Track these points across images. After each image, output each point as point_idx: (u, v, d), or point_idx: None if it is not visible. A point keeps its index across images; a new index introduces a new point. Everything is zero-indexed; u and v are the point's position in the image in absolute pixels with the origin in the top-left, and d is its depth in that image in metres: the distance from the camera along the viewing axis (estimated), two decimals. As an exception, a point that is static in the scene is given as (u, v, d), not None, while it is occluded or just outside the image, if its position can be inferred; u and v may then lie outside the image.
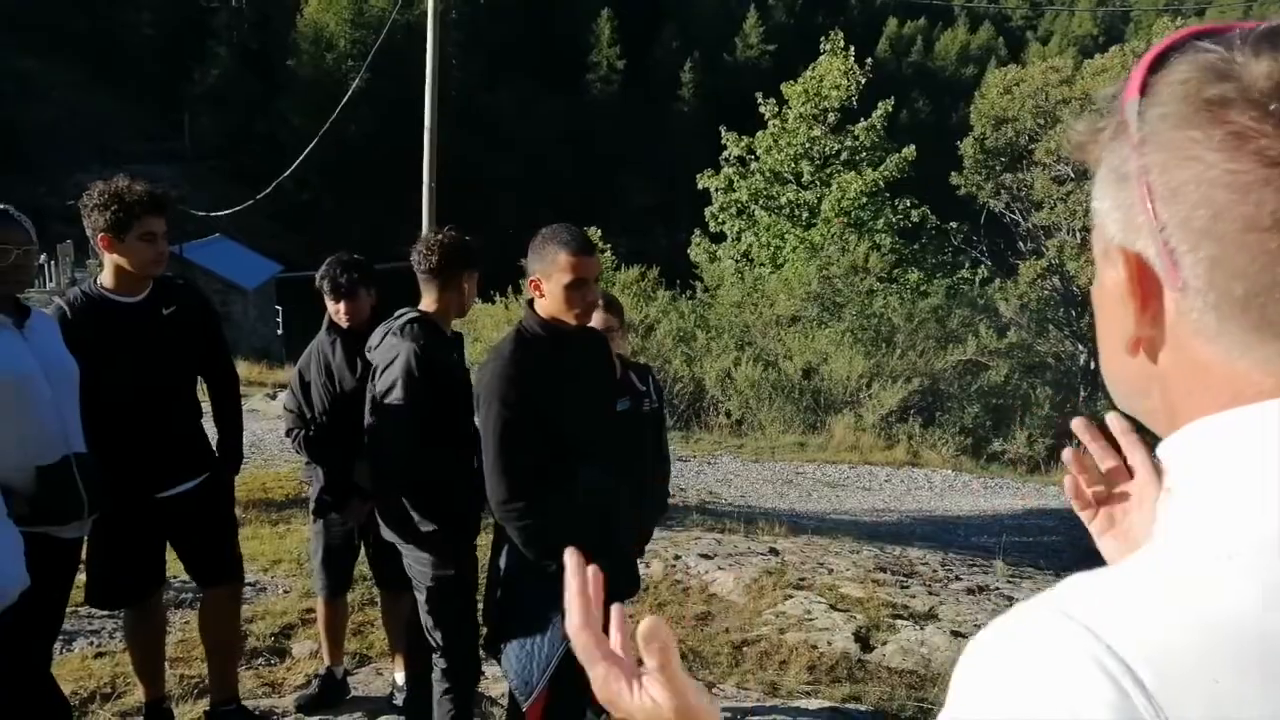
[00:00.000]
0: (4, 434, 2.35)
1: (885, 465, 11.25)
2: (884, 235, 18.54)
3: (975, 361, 14.60)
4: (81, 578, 3.19)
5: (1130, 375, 0.61)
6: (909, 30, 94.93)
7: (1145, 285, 0.55)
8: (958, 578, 5.91)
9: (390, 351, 2.96)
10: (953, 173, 20.20)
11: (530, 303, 2.67)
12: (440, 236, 3.12)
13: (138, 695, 3.45)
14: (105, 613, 4.03)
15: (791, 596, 5.21)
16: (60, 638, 4.30)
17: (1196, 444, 0.55)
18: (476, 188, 66.18)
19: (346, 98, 18.21)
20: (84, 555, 3.10)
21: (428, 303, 3.11)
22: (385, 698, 3.75)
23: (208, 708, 3.42)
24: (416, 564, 3.00)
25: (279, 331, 32.52)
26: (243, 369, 17.03)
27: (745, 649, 4.50)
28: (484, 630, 2.86)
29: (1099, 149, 0.60)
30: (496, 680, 3.54)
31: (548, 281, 2.56)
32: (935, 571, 6.03)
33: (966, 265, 20.36)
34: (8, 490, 2.34)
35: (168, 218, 3.09)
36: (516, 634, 2.61)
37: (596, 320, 3.61)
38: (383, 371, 2.96)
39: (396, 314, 3.09)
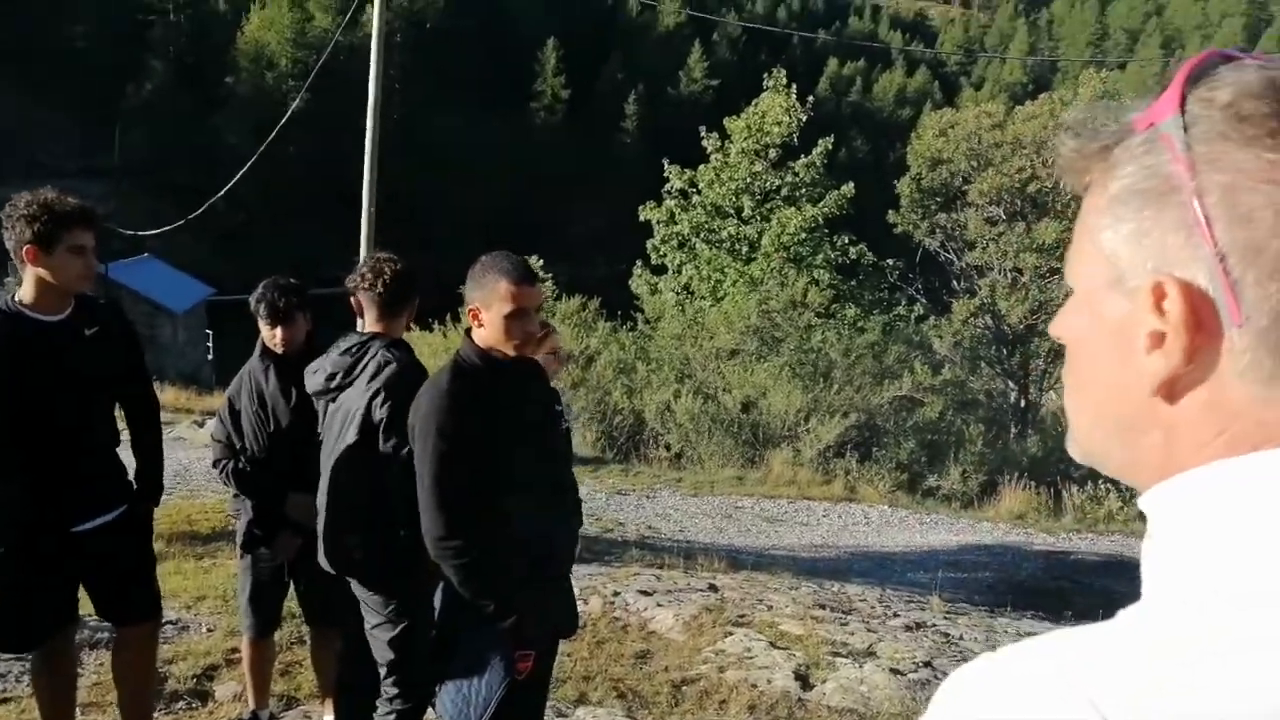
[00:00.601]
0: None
1: (823, 500, 11.32)
2: (823, 271, 18.83)
3: (910, 398, 14.84)
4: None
5: (1125, 417, 0.55)
6: (849, 71, 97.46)
7: (1199, 318, 0.50)
8: (895, 614, 5.93)
9: (388, 380, 2.84)
10: (890, 211, 20.66)
11: (469, 332, 2.60)
12: (392, 263, 3.03)
13: (43, 744, 3.24)
14: (11, 655, 3.81)
15: (731, 634, 5.17)
16: (-43, 683, 4.08)
17: (1212, 492, 0.50)
18: (416, 212, 65.73)
19: (286, 117, 17.89)
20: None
21: (378, 328, 3.02)
22: (311, 743, 3.60)
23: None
24: (372, 601, 2.90)
25: (209, 356, 31.66)
26: (170, 395, 16.50)
27: (685, 688, 4.44)
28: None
29: (1096, 170, 0.55)
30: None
31: (487, 311, 2.50)
32: (873, 608, 6.05)
33: (902, 302, 20.77)
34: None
35: (97, 233, 2.95)
36: (453, 675, 2.52)
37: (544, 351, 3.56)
38: (384, 403, 2.82)
39: (352, 341, 2.98)
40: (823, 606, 5.84)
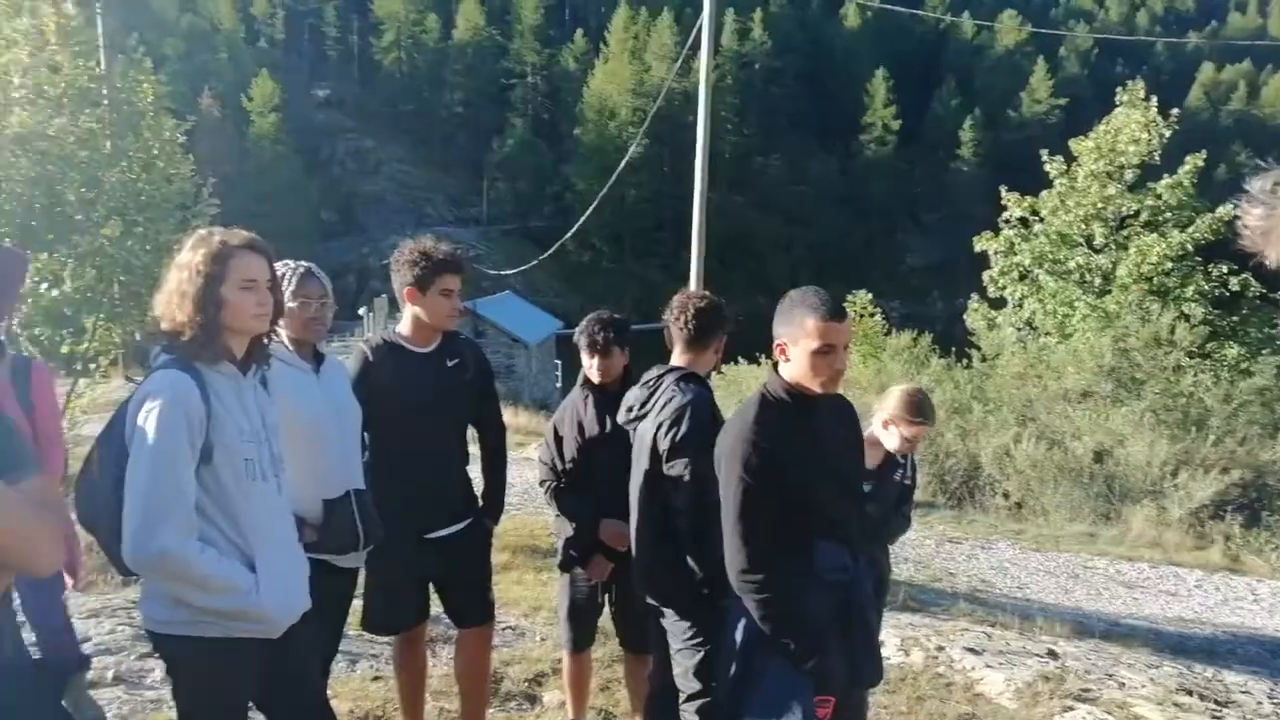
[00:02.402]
0: (300, 468, 2.58)
1: (1195, 568, 9.83)
2: (1194, 304, 16.51)
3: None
4: (358, 604, 3.44)
5: None
6: (1228, 76, 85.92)
7: None
8: (1289, 712, 4.96)
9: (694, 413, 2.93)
10: (1283, 235, 17.73)
11: (775, 366, 2.56)
12: (698, 299, 3.10)
13: (402, 721, 3.64)
14: (388, 639, 4.33)
15: (1072, 709, 4.61)
16: (348, 657, 4.70)
17: None
18: (748, 249, 67.43)
19: (624, 162, 19.15)
20: (361, 584, 3.37)
21: (683, 361, 3.09)
22: (625, 759, 3.70)
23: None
24: (677, 629, 2.95)
25: (557, 385, 34.70)
26: (522, 419, 18.21)
27: (1016, 763, 4.01)
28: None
29: None
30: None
31: (794, 346, 2.45)
32: (1260, 704, 5.11)
33: (1303, 341, 17.64)
34: (300, 519, 2.57)
35: (464, 278, 3.35)
36: (752, 712, 2.46)
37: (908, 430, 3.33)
38: (668, 433, 2.93)
39: (652, 374, 3.10)
40: (1189, 692, 5.03)
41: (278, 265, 2.79)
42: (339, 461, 2.84)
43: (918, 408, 3.34)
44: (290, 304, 2.79)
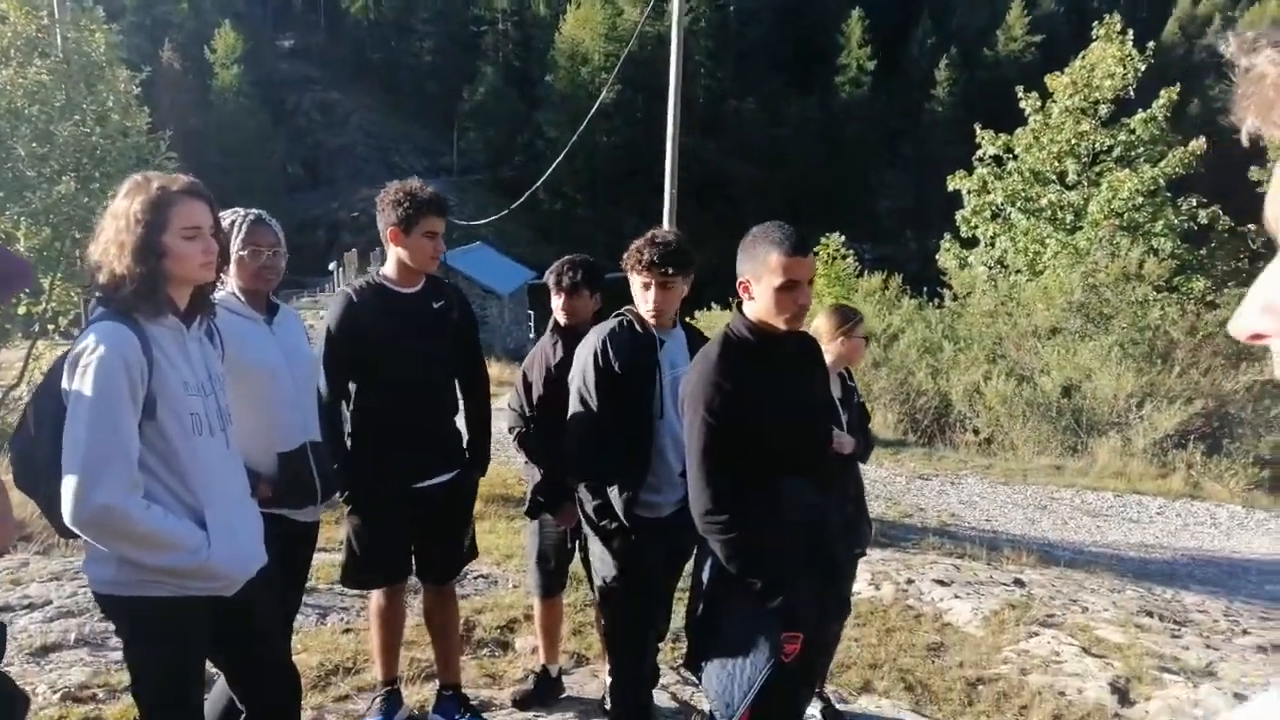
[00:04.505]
0: (253, 420, 2.54)
1: (1158, 496, 10.05)
2: (1163, 239, 16.63)
3: (1276, 383, 12.74)
4: (333, 558, 3.42)
5: None
6: (1204, 9, 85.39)
7: None
8: (1245, 631, 5.12)
9: (584, 344, 3.04)
10: (1253, 167, 17.78)
11: (739, 305, 2.54)
12: (647, 238, 3.06)
13: (374, 672, 3.66)
14: (356, 591, 4.33)
15: (1037, 634, 4.73)
16: (317, 611, 4.72)
17: None
18: (722, 193, 66.95)
19: (594, 108, 18.86)
20: (345, 537, 3.34)
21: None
22: (598, 700, 3.76)
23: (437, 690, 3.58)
24: (595, 558, 3.03)
25: (530, 335, 34.61)
26: (495, 369, 18.14)
27: (980, 687, 4.12)
28: (674, 645, 2.79)
29: None
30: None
31: (757, 284, 2.42)
32: (1216, 622, 5.27)
33: (1269, 272, 17.81)
34: (254, 473, 2.53)
35: (446, 221, 3.29)
36: (718, 653, 2.49)
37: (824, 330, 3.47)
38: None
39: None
40: (1150, 614, 5.18)
41: (226, 213, 2.72)
42: (294, 413, 2.79)
43: (843, 315, 3.53)
44: (240, 252, 2.72)
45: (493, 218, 31.24)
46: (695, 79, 71.50)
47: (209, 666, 2.31)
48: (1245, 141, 0.45)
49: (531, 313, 36.71)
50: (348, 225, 61.22)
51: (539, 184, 21.82)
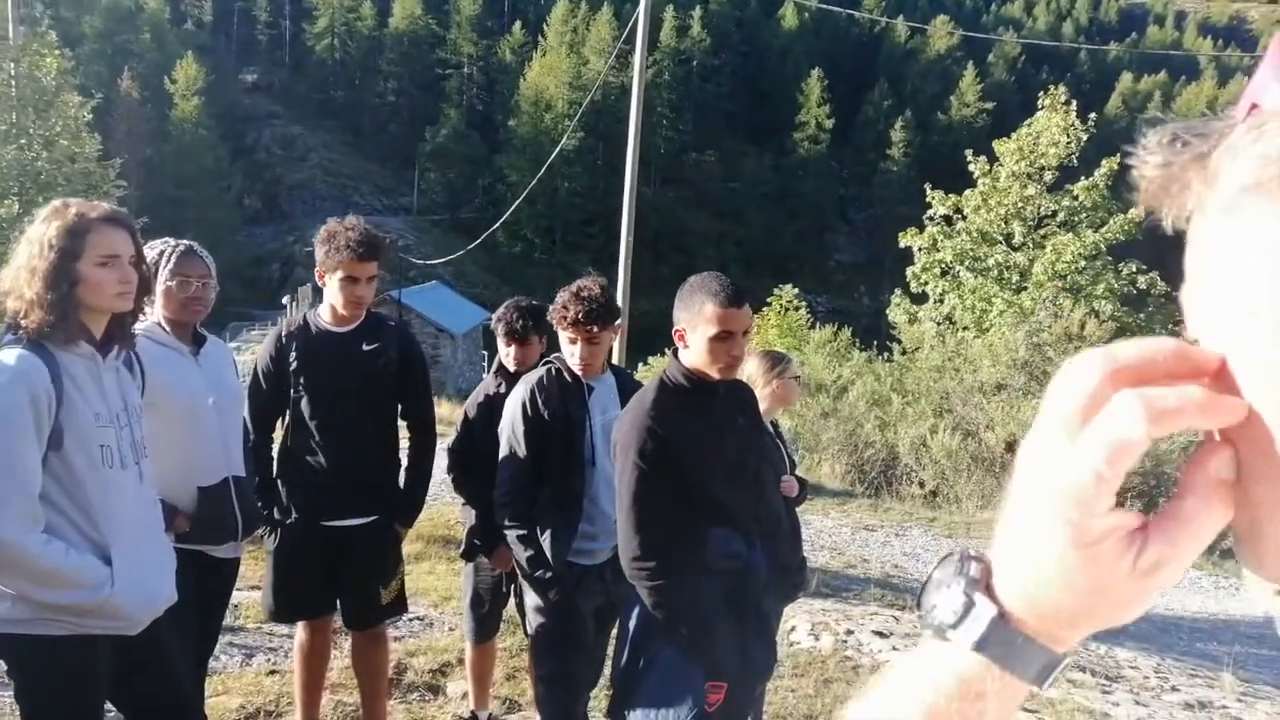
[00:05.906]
0: (173, 453, 2.48)
1: (1096, 552, 10.20)
2: (1104, 301, 17.15)
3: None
4: (255, 595, 3.33)
5: None
6: (1145, 86, 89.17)
7: None
8: (1174, 688, 5.18)
9: (513, 394, 3.03)
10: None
11: (675, 352, 2.56)
12: (573, 292, 3.02)
13: (297, 717, 3.54)
14: (286, 631, 4.20)
15: (972, 690, 4.74)
16: (243, 651, 4.58)
17: None
18: (678, 243, 67.72)
19: (555, 153, 19.05)
20: (266, 572, 3.27)
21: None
22: (527, 749, 3.68)
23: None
24: (528, 606, 3.04)
25: (484, 375, 34.47)
26: (445, 409, 17.93)
27: (914, 743, 4.10)
28: (609, 692, 2.74)
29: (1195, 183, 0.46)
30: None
31: (693, 332, 2.44)
32: (1147, 678, 5.32)
33: (1204, 337, 18.42)
34: (171, 507, 2.46)
35: (381, 264, 3.20)
36: (642, 701, 2.46)
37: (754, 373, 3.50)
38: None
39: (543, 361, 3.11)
40: (1083, 669, 5.22)
41: (156, 243, 2.68)
42: (218, 447, 2.73)
43: (772, 359, 3.58)
44: (169, 282, 2.68)
45: (449, 258, 31.18)
46: (656, 130, 72.60)
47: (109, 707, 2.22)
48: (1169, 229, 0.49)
49: (485, 353, 36.58)
50: (303, 261, 60.59)
51: (498, 225, 21.88)
